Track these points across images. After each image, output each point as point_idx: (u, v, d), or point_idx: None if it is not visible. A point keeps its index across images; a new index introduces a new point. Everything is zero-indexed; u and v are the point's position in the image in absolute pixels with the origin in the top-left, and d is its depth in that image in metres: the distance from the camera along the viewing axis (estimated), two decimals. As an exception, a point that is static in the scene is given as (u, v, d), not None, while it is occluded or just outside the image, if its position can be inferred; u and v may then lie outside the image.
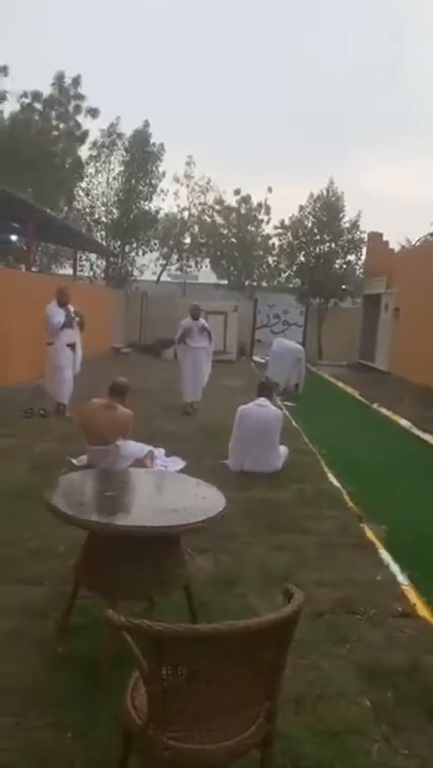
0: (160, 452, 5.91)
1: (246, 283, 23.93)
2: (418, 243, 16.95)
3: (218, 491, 2.86)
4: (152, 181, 22.00)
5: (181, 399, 9.02)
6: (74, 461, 5.68)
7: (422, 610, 3.31)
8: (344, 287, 20.85)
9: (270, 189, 25.76)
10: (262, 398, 5.94)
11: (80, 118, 21.10)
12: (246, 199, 24.08)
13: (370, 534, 4.42)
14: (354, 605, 3.31)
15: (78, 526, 2.58)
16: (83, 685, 2.48)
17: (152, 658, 1.62)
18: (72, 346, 8.21)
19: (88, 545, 2.68)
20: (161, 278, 25.19)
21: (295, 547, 4.07)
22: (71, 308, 8.23)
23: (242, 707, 1.73)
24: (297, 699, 2.48)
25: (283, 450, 5.98)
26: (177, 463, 5.79)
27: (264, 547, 4.04)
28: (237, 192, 24.02)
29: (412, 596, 3.48)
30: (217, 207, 24.17)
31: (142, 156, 21.60)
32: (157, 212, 22.50)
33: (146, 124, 21.77)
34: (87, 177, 21.65)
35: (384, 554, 4.07)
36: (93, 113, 21.11)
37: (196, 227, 24.37)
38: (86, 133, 21.30)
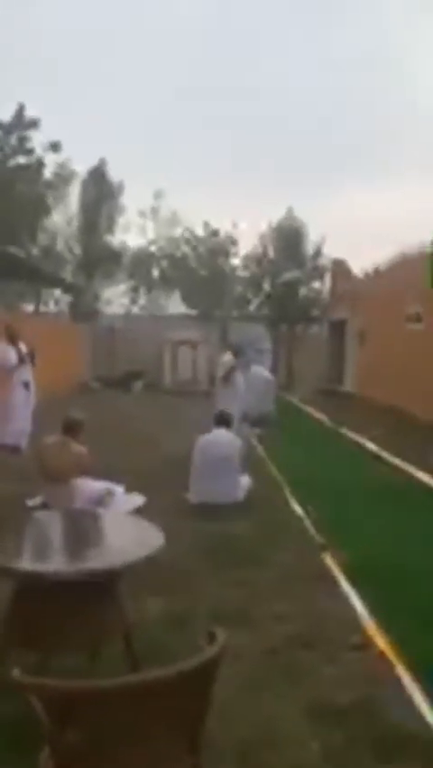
0: (119, 488, 5.76)
1: (216, 313, 24.14)
2: (379, 269, 17.36)
3: (157, 530, 2.75)
4: (114, 216, 22.25)
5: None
6: (29, 502, 5.50)
7: (380, 642, 3.21)
8: (313, 314, 21.18)
9: (234, 225, 25.89)
10: (220, 429, 5.87)
11: (39, 152, 21.07)
12: (215, 233, 24.48)
13: (331, 564, 4.32)
14: (309, 639, 3.20)
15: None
16: (3, 748, 2.31)
17: (54, 718, 1.49)
18: (26, 384, 8.07)
19: (15, 595, 2.53)
20: (130, 312, 25.25)
21: (252, 581, 3.95)
22: (22, 345, 8.11)
23: (160, 766, 1.60)
24: (241, 747, 2.35)
25: (245, 480, 5.89)
26: (135, 500, 5.64)
27: (219, 583, 3.91)
28: (206, 225, 24.40)
29: (371, 628, 3.38)
30: (186, 238, 24.49)
31: (99, 193, 21.86)
32: (120, 247, 22.72)
33: (102, 162, 22.12)
34: (47, 213, 21.79)
35: (345, 585, 3.97)
36: (54, 147, 21.15)
37: (164, 262, 24.63)
38: (41, 165, 21.30)
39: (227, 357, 8.38)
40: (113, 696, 1.47)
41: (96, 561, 2.45)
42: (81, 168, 22.38)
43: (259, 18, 39.50)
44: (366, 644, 3.18)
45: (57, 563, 2.51)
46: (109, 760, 1.54)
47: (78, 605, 2.45)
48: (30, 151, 20.89)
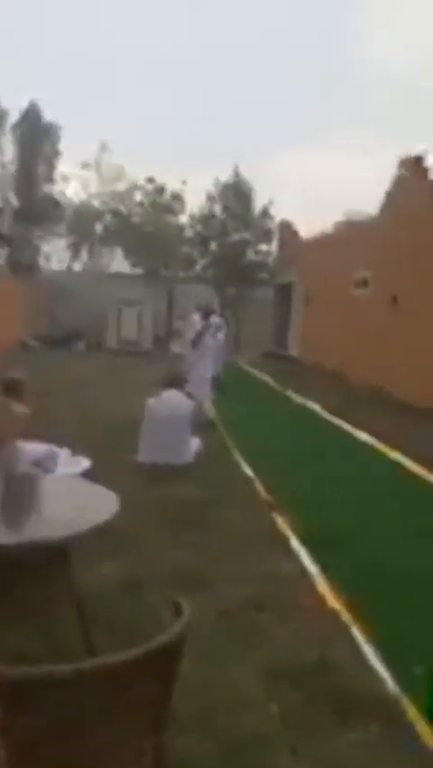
0: (64, 452, 5.53)
1: (162, 273, 23.56)
2: (326, 233, 17.35)
3: (112, 494, 2.60)
4: (53, 163, 21.01)
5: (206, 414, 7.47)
6: (-33, 465, 5.18)
7: (332, 601, 3.23)
8: (260, 276, 21.04)
9: (184, 182, 25.09)
10: (171, 390, 5.71)
11: None
12: (160, 189, 23.62)
13: (282, 525, 4.33)
14: (262, 601, 3.18)
15: None
16: None
17: (3, 706, 1.35)
18: None
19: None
20: (71, 268, 24.26)
21: (203, 544, 3.89)
22: None
23: (121, 749, 1.49)
24: (199, 713, 2.29)
25: (195, 442, 5.80)
26: (81, 463, 5.43)
27: (172, 546, 3.82)
28: (151, 180, 23.49)
29: (323, 587, 3.40)
30: (131, 193, 23.51)
31: (34, 138, 20.50)
32: (60, 198, 21.56)
33: (32, 103, 20.69)
34: None
35: (296, 545, 3.98)
36: None
37: (108, 216, 23.63)
38: None
39: (196, 318, 8.13)
40: (67, 682, 1.33)
41: (42, 530, 2.28)
42: (10, 107, 20.86)
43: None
44: (320, 605, 3.19)
45: (8, 532, 2.32)
46: (65, 747, 1.41)
47: (25, 575, 2.29)
48: None
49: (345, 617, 3.06)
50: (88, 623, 2.56)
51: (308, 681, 2.54)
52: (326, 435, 7.82)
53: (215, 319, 8.24)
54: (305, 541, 4.00)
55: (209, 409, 7.59)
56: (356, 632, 2.93)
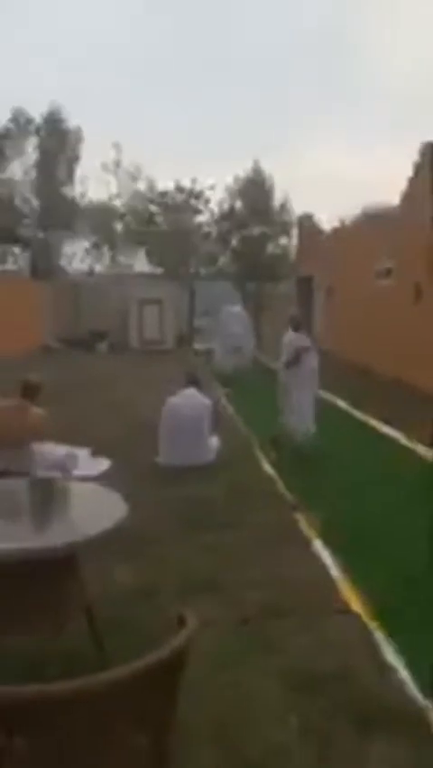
0: (83, 452, 5.51)
1: (183, 271, 23.52)
2: (347, 224, 17.08)
3: (120, 499, 2.53)
4: (73, 166, 21.16)
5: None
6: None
7: (356, 606, 3.11)
8: (280, 270, 20.86)
9: (212, 187, 24.44)
10: (190, 389, 5.64)
11: None
12: (181, 189, 23.55)
13: (304, 526, 4.21)
14: (283, 606, 3.08)
15: None
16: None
17: (0, 726, 1.28)
18: None
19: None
20: (94, 269, 24.40)
21: (223, 546, 3.80)
22: None
23: (123, 765, 1.42)
24: (215, 726, 2.21)
25: (215, 441, 5.71)
26: (100, 464, 5.40)
27: (189, 549, 3.75)
28: (178, 185, 23.32)
29: (346, 591, 3.28)
30: (149, 196, 23.54)
31: (55, 139, 20.65)
32: (81, 200, 21.68)
33: (54, 105, 20.85)
34: (3, 163, 20.52)
35: (318, 546, 3.86)
36: None
37: (128, 217, 23.69)
38: None
39: (291, 335, 6.44)
40: (66, 701, 1.26)
41: (52, 536, 2.22)
42: (37, 115, 21.08)
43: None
44: (343, 610, 3.08)
45: (11, 538, 2.27)
46: (64, 766, 1.34)
47: (36, 581, 2.24)
48: None
49: (370, 623, 2.94)
50: (102, 630, 2.50)
51: (329, 691, 2.43)
52: (349, 430, 7.64)
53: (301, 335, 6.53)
54: (328, 543, 3.88)
55: (306, 437, 6.18)
56: (381, 639, 2.81)
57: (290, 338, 6.37)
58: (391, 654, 2.69)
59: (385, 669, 2.60)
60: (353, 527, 4.18)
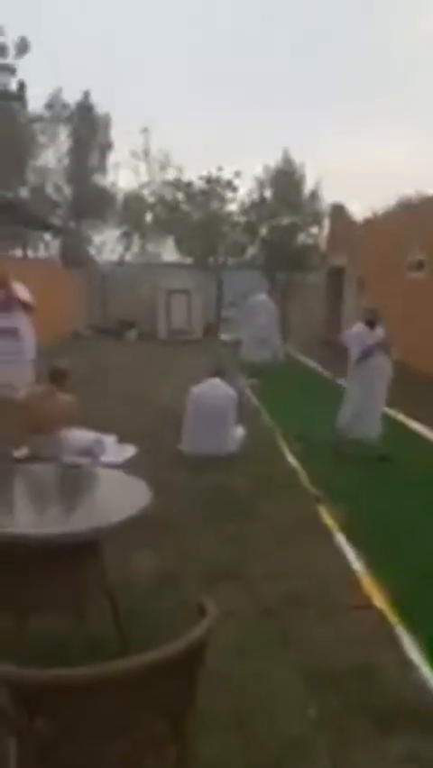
0: (110, 439, 5.56)
1: (211, 261, 23.43)
2: (379, 215, 16.78)
3: (145, 486, 2.54)
4: (104, 153, 21.18)
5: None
6: (15, 452, 5.29)
7: (378, 601, 3.08)
8: (311, 261, 20.60)
9: (237, 174, 24.00)
10: (215, 379, 5.63)
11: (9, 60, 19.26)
12: (209, 179, 23.40)
13: (327, 518, 4.18)
14: (304, 599, 3.06)
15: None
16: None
17: (21, 708, 1.30)
18: (10, 332, 7.73)
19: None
20: (123, 258, 24.52)
21: (245, 536, 3.80)
22: (14, 290, 7.71)
23: (141, 755, 1.43)
24: (235, 716, 2.22)
25: (239, 431, 5.70)
26: (126, 450, 5.44)
27: (212, 538, 3.76)
28: (206, 174, 23.14)
29: (368, 585, 3.24)
30: (178, 182, 23.43)
31: (87, 126, 20.64)
32: (111, 188, 21.72)
33: (87, 95, 20.83)
34: (37, 151, 20.63)
35: (341, 539, 3.83)
36: (21, 48, 19.16)
37: (158, 206, 23.67)
38: (23, 88, 19.75)
39: (360, 329, 5.81)
40: (87, 686, 1.28)
41: (77, 522, 2.25)
42: (72, 101, 21.13)
43: None
44: (365, 604, 3.05)
45: (36, 523, 2.30)
46: (83, 751, 1.37)
47: (58, 565, 2.27)
48: (12, 70, 19.14)
49: (392, 618, 2.91)
50: (123, 616, 2.53)
51: (350, 686, 2.42)
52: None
53: (379, 330, 5.78)
54: (350, 536, 3.85)
55: (371, 442, 5.74)
56: (403, 634, 2.77)
57: (359, 331, 5.76)
58: (413, 651, 2.65)
59: (407, 665, 2.57)
60: (376, 522, 4.13)
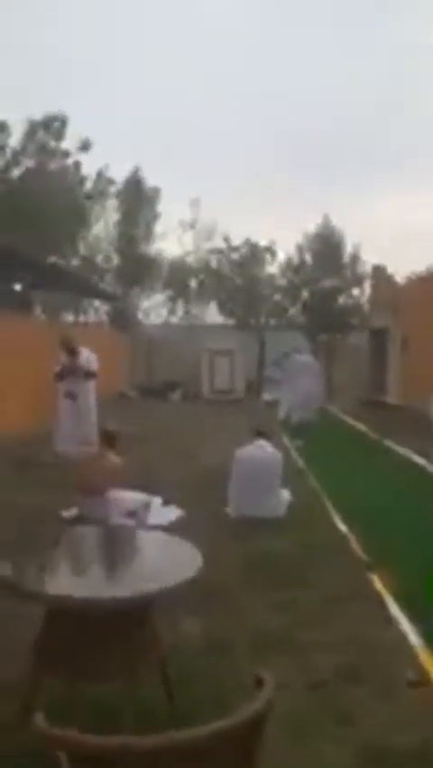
0: (156, 501, 5.62)
1: (253, 322, 23.91)
2: (422, 274, 16.88)
3: (195, 551, 2.56)
4: (150, 225, 22.37)
5: None
6: (65, 513, 5.40)
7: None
8: (352, 322, 20.74)
9: (272, 243, 24.57)
10: (261, 440, 5.66)
11: (72, 158, 21.01)
12: (253, 246, 24.22)
13: (379, 586, 4.04)
14: (358, 672, 2.94)
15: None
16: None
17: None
18: (72, 395, 8.12)
19: (45, 619, 2.38)
20: (168, 321, 25.32)
21: (295, 604, 3.71)
22: (83, 356, 8.20)
23: None
24: (289, 798, 2.12)
25: (285, 494, 5.65)
26: (172, 513, 5.48)
27: (261, 605, 3.69)
28: (246, 239, 23.98)
29: (425, 658, 3.10)
30: (221, 249, 24.33)
31: (135, 202, 21.96)
32: (157, 256, 22.78)
33: (136, 170, 22.27)
34: (88, 224, 21.97)
35: (394, 609, 3.69)
36: (84, 146, 20.92)
37: (202, 273, 24.59)
38: (83, 177, 21.47)
39: None
40: (150, 754, 1.28)
41: (129, 587, 2.29)
42: (116, 174, 22.65)
43: (294, 22, 39.01)
44: (422, 681, 2.90)
45: (88, 587, 2.35)
46: None
47: (109, 631, 2.29)
48: (65, 154, 20.82)
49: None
50: (173, 685, 2.50)
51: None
52: (427, 489, 7.32)
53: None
54: (404, 605, 3.70)
55: None
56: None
57: None
58: None
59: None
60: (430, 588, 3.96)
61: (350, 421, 13.93)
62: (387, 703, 2.71)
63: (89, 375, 8.22)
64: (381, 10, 36.64)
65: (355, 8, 38.35)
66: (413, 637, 3.33)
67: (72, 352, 8.14)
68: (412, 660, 3.10)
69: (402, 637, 3.34)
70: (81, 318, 21.72)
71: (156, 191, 22.63)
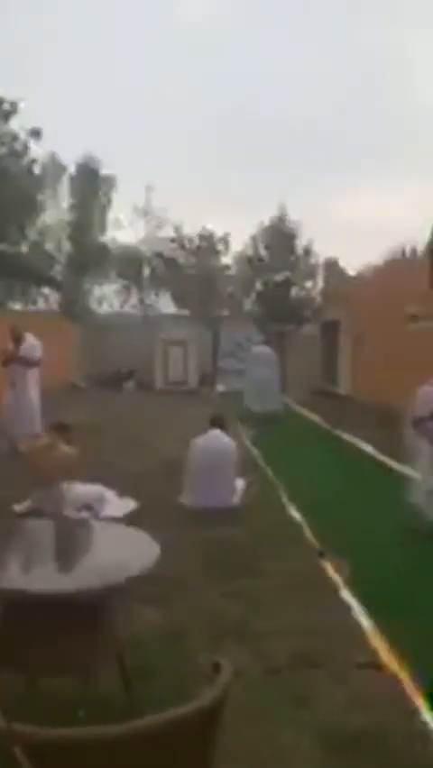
0: (110, 493, 5.54)
1: (207, 313, 23.87)
2: (374, 268, 17.27)
3: (152, 541, 2.54)
4: (104, 213, 21.93)
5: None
6: (17, 507, 5.25)
7: (388, 659, 3.02)
8: (304, 314, 21.05)
9: (227, 235, 24.29)
10: (216, 430, 5.66)
11: (20, 142, 20.28)
12: (205, 237, 24.13)
13: (332, 573, 4.13)
14: (314, 657, 3.00)
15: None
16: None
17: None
18: (13, 384, 7.99)
19: (1, 614, 2.31)
20: (121, 310, 24.96)
21: (250, 592, 3.74)
22: (26, 343, 8.07)
23: None
24: (247, 783, 2.14)
25: (240, 483, 5.69)
26: (127, 505, 5.41)
27: (216, 593, 3.70)
28: (202, 232, 23.85)
29: (377, 643, 3.18)
30: (175, 241, 24.15)
31: (88, 189, 21.45)
32: (111, 243, 22.37)
33: (89, 156, 21.75)
34: (38, 211, 21.30)
35: (347, 595, 3.77)
36: (35, 134, 20.25)
37: (155, 261, 24.33)
38: (32, 161, 20.72)
39: (429, 390, 5.18)
40: (105, 745, 1.26)
41: (87, 578, 2.24)
42: (67, 159, 22.05)
43: (255, 13, 38.90)
44: (374, 664, 2.98)
45: (44, 580, 2.28)
46: None
47: (65, 625, 2.24)
48: (14, 137, 20.02)
49: (403, 678, 2.84)
50: (130, 674, 2.47)
51: (366, 751, 2.35)
52: (377, 477, 7.53)
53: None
54: (357, 591, 3.79)
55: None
56: (416, 696, 2.70)
57: (428, 392, 5.14)
58: (428, 714, 2.59)
59: (423, 729, 2.50)
60: (383, 576, 4.08)
61: (303, 411, 14.16)
62: (342, 686, 2.77)
63: (29, 362, 8.05)
64: (350, 10, 36.91)
65: (319, 6, 38.59)
66: (365, 622, 3.41)
67: (17, 341, 7.97)
68: (364, 644, 3.18)
69: (355, 622, 3.42)
70: (30, 307, 21.10)
71: (111, 179, 22.18)
